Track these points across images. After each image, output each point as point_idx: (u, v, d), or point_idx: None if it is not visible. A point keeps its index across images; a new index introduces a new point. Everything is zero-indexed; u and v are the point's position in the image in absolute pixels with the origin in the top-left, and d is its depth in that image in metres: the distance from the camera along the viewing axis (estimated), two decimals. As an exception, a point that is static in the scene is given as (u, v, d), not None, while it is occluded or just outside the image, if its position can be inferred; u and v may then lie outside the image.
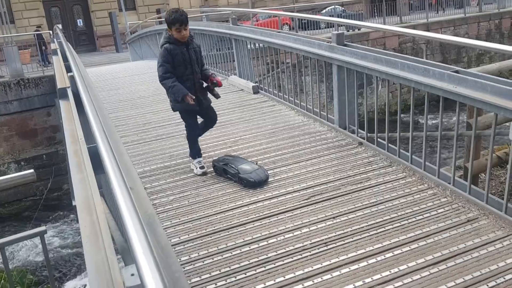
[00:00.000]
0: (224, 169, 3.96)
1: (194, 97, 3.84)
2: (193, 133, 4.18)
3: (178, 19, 3.86)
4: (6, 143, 13.05)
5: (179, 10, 4.00)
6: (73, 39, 22.40)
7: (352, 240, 2.99)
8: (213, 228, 3.25)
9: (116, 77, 9.65)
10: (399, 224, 3.12)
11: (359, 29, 17.03)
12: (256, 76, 6.94)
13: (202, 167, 4.08)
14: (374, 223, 3.15)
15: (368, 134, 4.40)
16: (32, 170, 2.33)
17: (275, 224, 3.25)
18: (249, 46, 6.82)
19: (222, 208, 3.52)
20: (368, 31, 16.48)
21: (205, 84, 4.10)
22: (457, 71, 3.33)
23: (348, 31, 16.98)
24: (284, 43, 5.45)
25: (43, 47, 15.98)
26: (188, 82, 3.93)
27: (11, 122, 12.90)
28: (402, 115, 4.05)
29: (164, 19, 4.03)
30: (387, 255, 2.82)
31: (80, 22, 23.70)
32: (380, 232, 3.05)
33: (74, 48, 16.34)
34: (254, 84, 6.62)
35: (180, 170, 4.26)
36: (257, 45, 6.69)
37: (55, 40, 8.31)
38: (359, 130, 4.54)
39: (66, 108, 3.44)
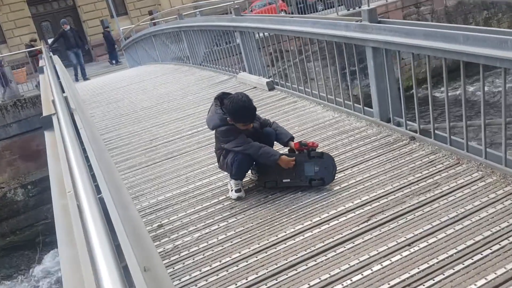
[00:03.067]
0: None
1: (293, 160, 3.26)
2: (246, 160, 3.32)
3: (249, 118, 3.19)
4: (10, 167, 12.48)
5: (246, 101, 3.16)
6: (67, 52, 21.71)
7: (444, 277, 2.25)
8: (256, 276, 2.53)
9: (114, 87, 8.93)
10: (499, 247, 2.38)
11: (359, 7, 16.18)
12: (270, 71, 6.18)
13: (238, 191, 3.34)
14: (465, 249, 2.41)
15: (421, 126, 3.64)
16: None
17: (335, 261, 2.52)
18: (256, 36, 6.06)
19: (262, 244, 2.79)
20: (369, 8, 15.61)
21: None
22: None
23: (348, 10, 16.15)
24: (301, 29, 4.68)
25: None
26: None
27: (13, 146, 12.33)
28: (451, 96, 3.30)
29: (226, 108, 3.21)
30: (499, 296, 2.08)
31: (73, 34, 22.93)
32: (478, 261, 2.31)
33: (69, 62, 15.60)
34: (268, 80, 5.87)
35: (200, 195, 3.54)
36: (261, 34, 5.92)
37: (43, 56, 7.62)
38: (408, 122, 3.78)
39: (51, 142, 2.73)
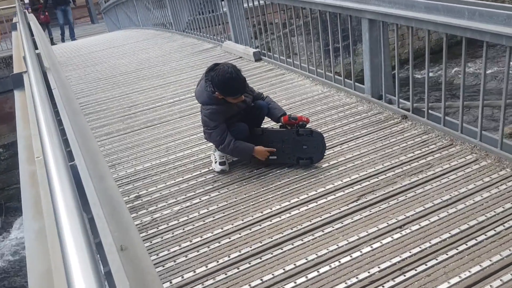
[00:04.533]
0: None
1: (272, 150, 3.11)
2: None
3: (239, 90, 2.96)
4: (-19, 130, 12.01)
5: (233, 72, 2.91)
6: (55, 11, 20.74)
7: (437, 262, 2.15)
8: (239, 254, 2.39)
9: (92, 51, 8.53)
10: (494, 233, 2.28)
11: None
12: (258, 41, 5.93)
13: (223, 163, 3.17)
14: (459, 233, 2.31)
15: (414, 105, 3.51)
16: None
17: (323, 241, 2.39)
18: (245, 5, 5.80)
19: (246, 221, 2.64)
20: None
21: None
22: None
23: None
24: (294, -3, 4.45)
25: None
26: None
27: (-15, 107, 11.83)
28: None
29: (213, 82, 2.96)
30: (494, 285, 1.99)
31: (50, -6, 21.92)
32: (473, 247, 2.21)
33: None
34: (255, 50, 5.63)
35: (181, 167, 3.36)
36: (250, 3, 5.67)
37: (17, 12, 7.17)
38: (400, 100, 3.64)
39: (21, 102, 2.51)
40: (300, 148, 3.06)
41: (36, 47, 3.31)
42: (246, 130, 3.13)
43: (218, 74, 2.94)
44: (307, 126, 3.14)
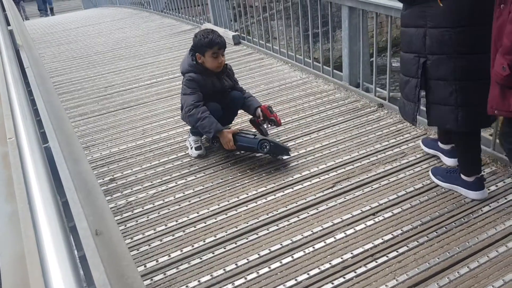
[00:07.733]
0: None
1: (232, 144, 2.99)
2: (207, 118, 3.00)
3: (215, 41, 2.95)
4: None
5: (211, 30, 3.04)
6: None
7: (407, 249, 2.21)
8: (214, 238, 2.40)
9: (66, 28, 8.31)
10: (463, 221, 2.35)
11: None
12: (237, 24, 5.87)
13: (198, 148, 3.14)
14: (430, 221, 2.37)
15: (391, 94, 3.56)
16: None
17: (297, 227, 2.42)
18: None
19: (222, 205, 2.65)
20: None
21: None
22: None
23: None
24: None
25: None
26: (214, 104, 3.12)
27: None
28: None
29: (193, 43, 3.05)
30: (461, 271, 2.06)
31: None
32: (442, 235, 2.28)
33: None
34: (234, 34, 5.59)
35: (157, 150, 3.33)
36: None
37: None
38: (377, 88, 3.68)
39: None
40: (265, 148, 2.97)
41: (8, 23, 3.20)
42: (219, 110, 3.09)
43: (198, 33, 3.04)
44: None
